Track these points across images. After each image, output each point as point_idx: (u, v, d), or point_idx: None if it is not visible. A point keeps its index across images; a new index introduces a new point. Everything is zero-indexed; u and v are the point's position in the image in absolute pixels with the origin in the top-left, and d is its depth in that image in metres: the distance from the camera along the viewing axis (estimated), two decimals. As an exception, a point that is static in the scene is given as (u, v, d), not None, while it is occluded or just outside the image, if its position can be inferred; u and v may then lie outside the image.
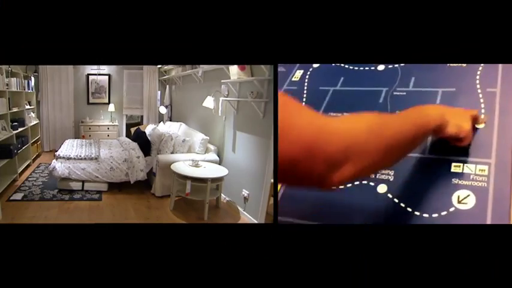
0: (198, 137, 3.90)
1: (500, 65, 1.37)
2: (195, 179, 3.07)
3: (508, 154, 1.15)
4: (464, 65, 1.43)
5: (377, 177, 1.24)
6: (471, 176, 1.14)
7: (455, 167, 1.18)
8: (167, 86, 5.97)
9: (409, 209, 1.14)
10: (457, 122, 1.12)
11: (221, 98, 3.55)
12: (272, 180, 2.77)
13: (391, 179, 1.22)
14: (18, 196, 3.42)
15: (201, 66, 4.18)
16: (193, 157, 3.54)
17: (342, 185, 0.77)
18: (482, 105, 1.29)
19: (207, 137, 3.90)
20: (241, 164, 3.31)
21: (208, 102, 3.65)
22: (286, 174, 0.73)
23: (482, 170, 1.14)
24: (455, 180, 1.15)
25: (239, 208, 3.28)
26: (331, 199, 1.23)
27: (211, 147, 3.88)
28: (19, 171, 4.04)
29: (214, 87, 3.73)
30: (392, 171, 1.23)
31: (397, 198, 1.18)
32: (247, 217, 3.15)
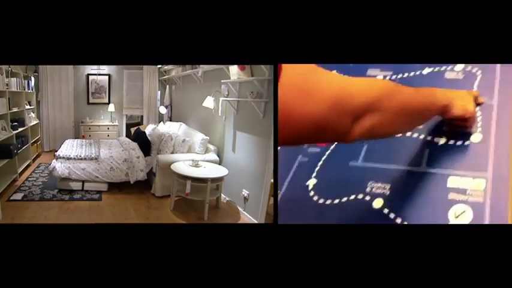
0: (198, 137, 3.90)
1: (497, 79, 1.36)
2: (195, 179, 3.07)
3: (504, 168, 1.14)
4: (461, 77, 1.42)
5: (373, 191, 1.23)
6: (467, 191, 1.13)
7: (451, 182, 1.16)
8: (167, 86, 5.97)
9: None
10: (462, 104, 1.18)
11: (221, 98, 3.55)
12: (272, 180, 2.77)
13: (387, 193, 1.21)
14: (18, 196, 3.41)
15: (201, 66, 4.18)
16: (193, 157, 3.54)
17: (360, 139, 0.88)
18: (479, 118, 1.28)
19: (207, 137, 3.90)
20: (241, 164, 3.31)
21: (208, 102, 3.65)
22: (314, 131, 0.79)
23: (479, 185, 1.13)
24: (451, 195, 1.13)
25: (239, 208, 3.28)
26: (327, 214, 1.23)
27: (211, 147, 3.88)
28: (19, 171, 4.03)
29: (214, 87, 3.73)
30: (388, 185, 1.22)
31: (393, 213, 1.17)
32: (247, 217, 3.15)
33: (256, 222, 2.96)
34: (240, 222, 3.12)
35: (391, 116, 0.89)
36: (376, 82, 0.90)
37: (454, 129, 1.27)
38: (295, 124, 0.76)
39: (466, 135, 1.25)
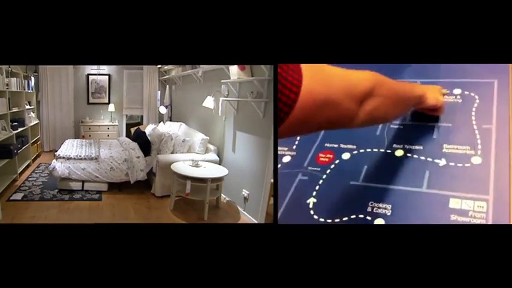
0: (198, 137, 3.90)
1: (494, 101, 1.38)
2: (195, 179, 3.07)
3: (505, 191, 1.14)
4: (459, 100, 1.44)
5: (374, 211, 1.22)
6: (470, 213, 1.12)
7: (453, 203, 1.16)
8: (167, 86, 5.97)
9: None
10: (434, 96, 1.33)
11: (221, 98, 3.55)
12: (272, 180, 2.77)
13: (388, 214, 1.20)
14: (18, 196, 3.42)
15: (201, 66, 4.18)
16: (193, 157, 3.54)
17: (364, 123, 0.97)
18: (479, 141, 1.28)
19: (207, 137, 3.90)
20: (241, 164, 3.31)
21: (208, 102, 3.65)
22: (330, 115, 0.88)
23: (480, 207, 1.13)
24: (453, 216, 1.13)
25: (239, 208, 3.28)
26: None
27: (211, 147, 3.88)
28: (19, 171, 4.04)
29: (214, 87, 3.73)
30: (390, 205, 1.22)
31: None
32: (247, 217, 3.15)
33: (256, 222, 2.96)
34: (240, 222, 3.12)
35: (384, 101, 1.01)
36: (368, 73, 1.00)
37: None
38: (317, 111, 0.85)
39: (466, 158, 1.26)
